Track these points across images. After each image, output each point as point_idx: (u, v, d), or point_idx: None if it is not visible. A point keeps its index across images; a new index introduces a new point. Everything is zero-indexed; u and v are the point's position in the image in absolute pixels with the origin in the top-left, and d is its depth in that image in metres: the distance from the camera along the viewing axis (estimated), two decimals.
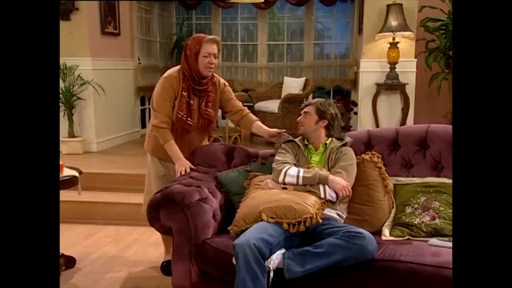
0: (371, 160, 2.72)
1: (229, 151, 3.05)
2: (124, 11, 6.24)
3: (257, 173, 2.80)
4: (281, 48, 8.06)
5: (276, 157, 2.74)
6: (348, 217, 2.63)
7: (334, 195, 2.55)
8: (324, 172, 2.59)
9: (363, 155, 2.74)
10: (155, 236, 3.57)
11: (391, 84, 5.00)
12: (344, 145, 2.75)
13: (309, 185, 2.55)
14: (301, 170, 2.59)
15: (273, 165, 2.68)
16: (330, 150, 2.73)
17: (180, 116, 2.85)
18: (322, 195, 2.53)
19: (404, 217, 2.60)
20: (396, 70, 5.05)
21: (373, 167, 2.71)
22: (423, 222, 2.52)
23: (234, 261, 2.30)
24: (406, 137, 2.80)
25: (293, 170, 2.59)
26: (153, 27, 7.73)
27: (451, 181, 2.60)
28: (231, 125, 6.28)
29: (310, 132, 2.77)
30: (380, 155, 2.72)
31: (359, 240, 2.20)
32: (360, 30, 5.67)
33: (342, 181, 2.56)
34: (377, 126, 5.16)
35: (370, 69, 5.27)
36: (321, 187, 2.54)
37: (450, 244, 2.37)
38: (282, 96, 6.46)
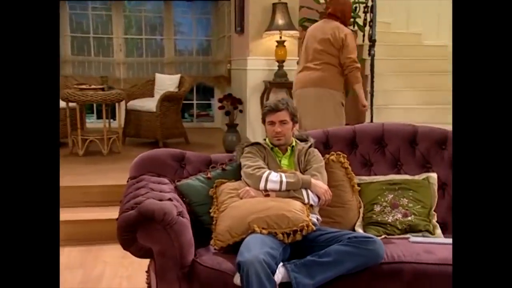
0: (337, 161, 2.69)
1: (179, 157, 2.73)
2: None
3: (223, 180, 2.57)
4: (140, 43, 7.61)
5: (246, 162, 2.53)
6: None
7: (316, 199, 2.46)
8: (305, 176, 2.48)
9: (328, 156, 2.70)
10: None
11: (280, 82, 5.07)
12: (310, 146, 2.68)
13: (292, 191, 2.42)
14: (283, 175, 2.44)
15: (248, 170, 2.47)
16: (298, 152, 2.62)
17: None
18: (306, 200, 2.42)
19: (374, 215, 2.63)
20: (284, 68, 5.13)
21: (339, 167, 2.68)
22: (397, 219, 2.58)
23: (237, 280, 2.07)
24: (363, 136, 2.83)
25: (274, 176, 2.43)
26: None
27: (413, 177, 2.72)
28: (114, 125, 5.75)
29: (288, 140, 2.62)
30: (345, 155, 2.71)
31: (371, 245, 2.15)
32: (241, 28, 5.62)
33: (324, 185, 2.48)
34: None
35: (258, 67, 5.26)
36: (304, 191, 2.43)
37: (430, 240, 2.48)
38: (155, 93, 6.11)
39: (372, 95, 5.50)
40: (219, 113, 7.51)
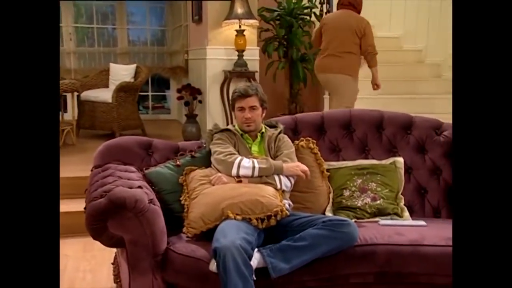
0: (307, 146, 2.68)
1: (145, 145, 2.66)
2: None
3: (193, 167, 2.51)
4: (91, 32, 7.35)
5: (217, 149, 2.49)
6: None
7: (288, 184, 2.46)
8: (277, 161, 2.46)
9: (297, 142, 2.69)
10: None
11: (241, 72, 5.02)
12: (280, 132, 2.66)
13: (264, 176, 2.40)
14: (255, 161, 2.41)
15: (220, 157, 2.43)
16: (268, 139, 2.60)
17: None
18: (279, 186, 2.41)
19: (344, 200, 2.65)
20: (244, 58, 5.08)
21: (309, 153, 2.68)
22: (366, 203, 2.61)
23: (213, 267, 2.03)
24: (331, 121, 2.85)
25: (246, 162, 2.40)
26: None
27: (380, 162, 2.76)
28: (67, 117, 5.55)
29: (258, 126, 2.59)
30: (314, 141, 2.71)
31: (346, 228, 2.16)
32: (199, 17, 5.52)
33: (294, 163, 2.47)
34: (227, 114, 5.13)
35: (217, 57, 5.19)
36: (276, 177, 2.41)
37: (399, 222, 2.53)
38: (110, 84, 5.93)
39: None
40: (176, 104, 7.41)
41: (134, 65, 5.97)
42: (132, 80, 5.78)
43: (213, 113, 5.25)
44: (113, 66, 6.09)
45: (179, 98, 5.54)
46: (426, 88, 5.92)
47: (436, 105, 5.40)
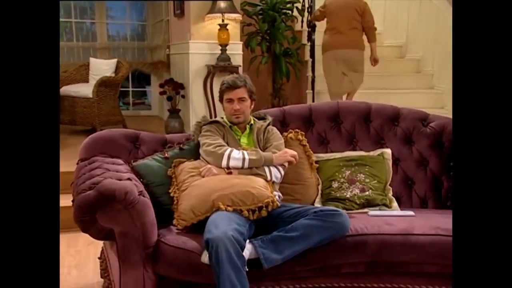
0: (295, 138, 2.68)
1: (132, 138, 2.62)
2: None
3: (182, 160, 2.48)
4: (69, 26, 7.22)
5: (206, 140, 2.46)
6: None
7: (279, 175, 2.45)
8: (266, 153, 2.45)
9: (286, 134, 2.69)
10: None
11: (224, 66, 4.99)
12: (269, 124, 2.65)
13: (254, 168, 2.38)
14: (245, 152, 2.39)
15: (209, 148, 2.40)
16: (257, 131, 2.58)
17: None
18: (269, 177, 2.39)
19: (333, 192, 2.65)
20: (227, 52, 5.06)
21: (297, 145, 2.67)
22: (355, 194, 2.61)
23: (205, 259, 2.02)
24: (319, 113, 2.85)
25: (236, 153, 2.38)
26: None
27: (368, 153, 2.77)
28: None
29: (247, 118, 2.58)
30: (303, 133, 2.71)
31: (337, 218, 2.16)
32: (181, 11, 5.47)
33: (282, 152, 2.46)
34: (210, 109, 5.09)
35: (200, 51, 5.15)
36: (266, 169, 2.40)
37: (388, 213, 2.54)
38: (91, 79, 5.83)
39: (313, 80, 5.59)
40: (157, 100, 7.33)
41: (115, 60, 5.88)
42: (113, 75, 5.70)
43: (196, 107, 5.21)
44: (93, 61, 5.99)
45: (161, 93, 5.49)
46: (406, 83, 5.98)
47: (416, 99, 5.44)
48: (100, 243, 2.86)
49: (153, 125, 6.23)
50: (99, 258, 2.66)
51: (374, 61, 4.99)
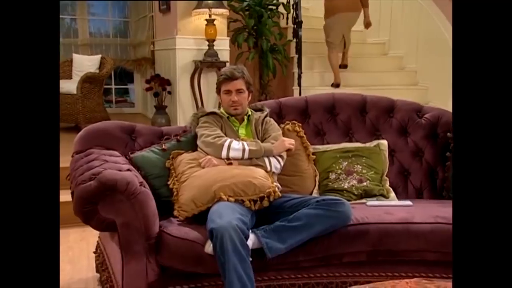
0: (293, 130, 2.67)
1: (129, 130, 2.58)
2: None
3: (180, 151, 2.46)
4: None
5: (204, 132, 2.44)
6: None
7: (278, 166, 2.44)
8: (266, 143, 2.44)
9: (283, 125, 2.68)
10: None
11: (211, 62, 4.96)
12: (266, 115, 2.64)
13: (254, 159, 2.37)
14: (245, 143, 2.38)
15: (208, 139, 2.38)
16: (255, 122, 2.57)
17: None
18: (269, 168, 2.39)
19: (330, 183, 2.66)
20: (214, 47, 5.03)
21: (295, 136, 2.66)
22: (353, 185, 2.62)
23: (208, 249, 2.00)
24: (315, 105, 2.85)
25: (236, 144, 2.36)
26: None
27: (364, 145, 2.79)
28: None
29: (245, 109, 2.56)
30: (300, 124, 2.70)
31: (340, 207, 2.16)
32: (167, 7, 5.42)
33: (280, 141, 2.47)
34: (197, 105, 5.06)
35: (186, 46, 5.11)
36: (266, 159, 2.39)
37: (386, 203, 2.56)
38: (74, 75, 5.74)
39: (300, 76, 5.59)
40: (141, 98, 7.26)
41: (98, 56, 5.80)
42: (97, 71, 5.62)
43: (183, 103, 5.17)
44: (76, 57, 5.90)
45: (148, 89, 5.43)
46: (389, 80, 6.03)
47: (401, 96, 5.43)
48: (92, 238, 2.83)
49: (138, 122, 6.07)
50: (94, 253, 2.61)
51: (368, 24, 5.52)
